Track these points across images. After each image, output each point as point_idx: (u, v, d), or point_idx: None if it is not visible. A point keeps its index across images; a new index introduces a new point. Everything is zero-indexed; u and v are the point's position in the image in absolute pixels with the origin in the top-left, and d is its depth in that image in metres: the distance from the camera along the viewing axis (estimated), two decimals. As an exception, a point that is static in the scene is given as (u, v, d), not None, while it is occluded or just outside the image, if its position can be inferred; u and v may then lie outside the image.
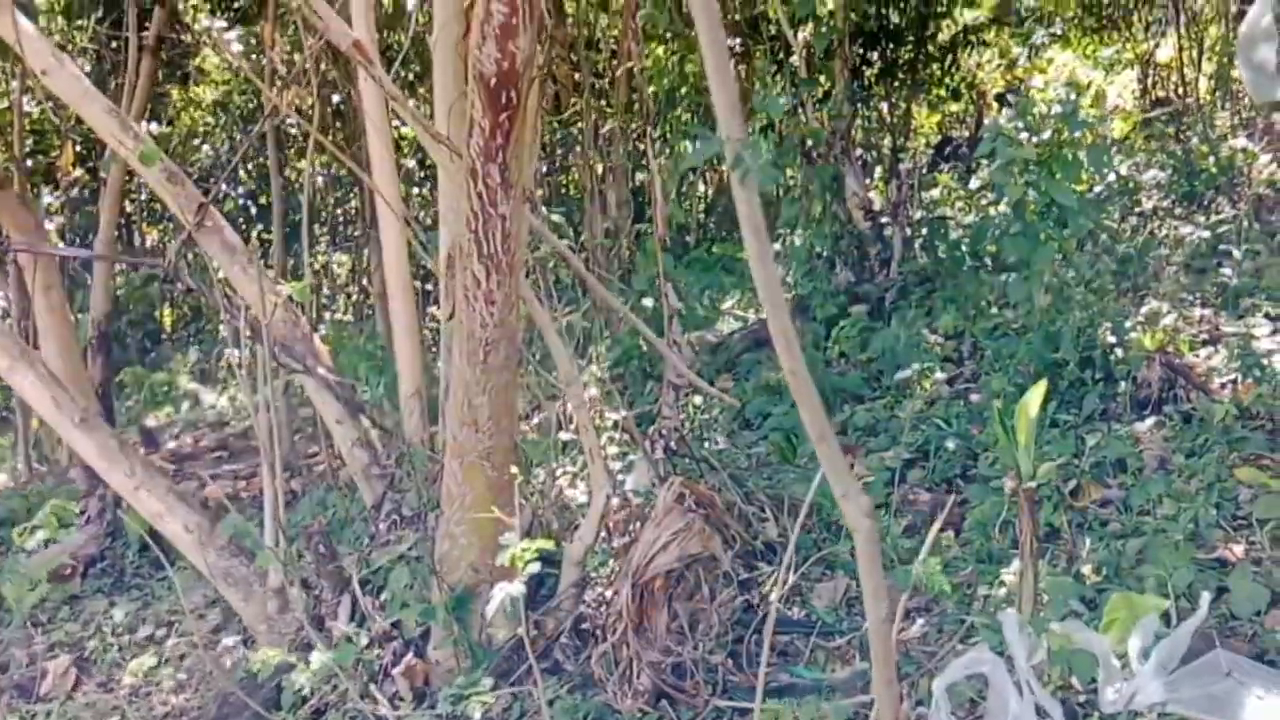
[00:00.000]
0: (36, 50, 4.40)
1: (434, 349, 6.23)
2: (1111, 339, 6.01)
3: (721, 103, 1.09)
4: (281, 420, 5.00)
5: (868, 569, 1.34)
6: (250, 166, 9.06)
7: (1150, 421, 5.47)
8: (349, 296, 10.22)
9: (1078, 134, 6.24)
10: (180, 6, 7.07)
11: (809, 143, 8.36)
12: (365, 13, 4.27)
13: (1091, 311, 6.12)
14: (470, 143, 3.58)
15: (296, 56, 6.20)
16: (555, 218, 6.98)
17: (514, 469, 3.43)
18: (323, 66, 5.99)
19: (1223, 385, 5.67)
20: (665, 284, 5.00)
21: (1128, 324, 6.14)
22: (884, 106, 11.70)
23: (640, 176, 10.02)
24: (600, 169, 9.27)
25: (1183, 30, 11.73)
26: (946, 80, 11.95)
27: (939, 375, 6.32)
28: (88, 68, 8.11)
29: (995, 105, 13.26)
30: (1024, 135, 6.27)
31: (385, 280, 5.28)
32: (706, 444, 5.91)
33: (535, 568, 3.38)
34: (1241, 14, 9.16)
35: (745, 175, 1.09)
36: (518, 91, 3.51)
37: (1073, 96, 6.32)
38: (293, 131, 8.14)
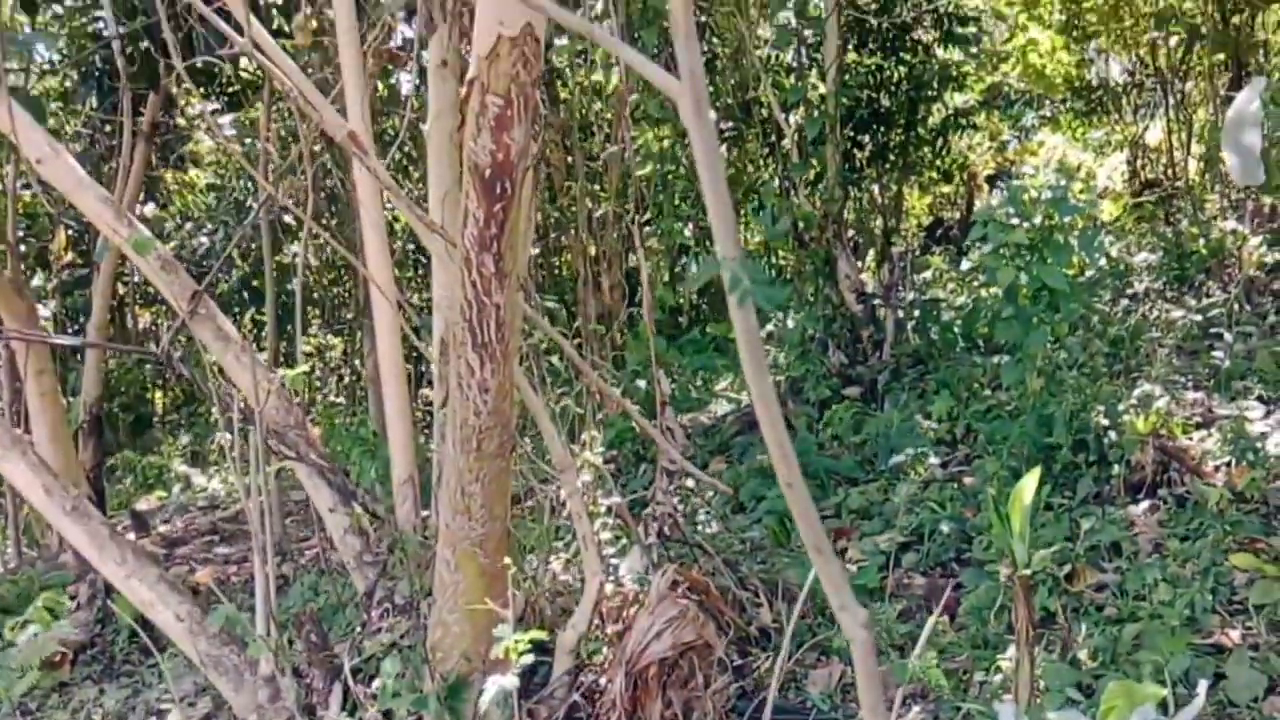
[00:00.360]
0: (32, 140, 4.43)
1: (427, 430, 6.22)
2: (1104, 422, 6.02)
3: (718, 223, 1.10)
4: (273, 504, 4.97)
5: (865, 681, 1.34)
6: (244, 249, 9.10)
7: (1144, 505, 5.46)
8: (341, 379, 10.22)
9: (1068, 219, 6.30)
10: (174, 91, 7.14)
11: (801, 226, 8.43)
12: (360, 103, 4.31)
13: (1084, 395, 6.13)
14: (465, 232, 3.60)
15: (291, 142, 6.28)
16: (549, 303, 7.02)
17: (507, 559, 3.41)
18: (317, 149, 6.04)
19: (1216, 469, 5.67)
20: (657, 370, 5.00)
21: (1120, 407, 6.15)
22: (875, 188, 11.81)
23: (634, 258, 10.08)
24: (594, 251, 9.32)
25: (1171, 113, 11.90)
26: (938, 163, 12.07)
27: (932, 460, 6.32)
28: (80, 149, 8.18)
29: (986, 187, 13.41)
30: (1015, 220, 6.33)
31: (378, 365, 5.29)
32: (700, 528, 5.89)
33: (529, 659, 3.35)
34: (1229, 99, 9.31)
35: (744, 298, 1.10)
36: (512, 182, 3.54)
37: (1063, 182, 6.39)
38: (287, 217, 8.19)
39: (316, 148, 5.57)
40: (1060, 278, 6.22)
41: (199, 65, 6.37)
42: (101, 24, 7.29)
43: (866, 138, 10.93)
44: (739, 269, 1.10)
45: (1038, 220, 6.39)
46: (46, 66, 7.88)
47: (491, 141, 3.44)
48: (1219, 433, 5.96)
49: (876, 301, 8.53)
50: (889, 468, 6.41)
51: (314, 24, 6.89)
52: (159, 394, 10.24)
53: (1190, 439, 6.07)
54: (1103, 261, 8.54)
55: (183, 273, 4.52)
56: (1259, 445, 5.62)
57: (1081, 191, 6.99)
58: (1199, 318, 7.93)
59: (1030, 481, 3.79)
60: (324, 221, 7.70)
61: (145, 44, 6.60)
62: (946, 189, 13.40)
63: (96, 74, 7.40)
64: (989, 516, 4.86)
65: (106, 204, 4.45)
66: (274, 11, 7.08)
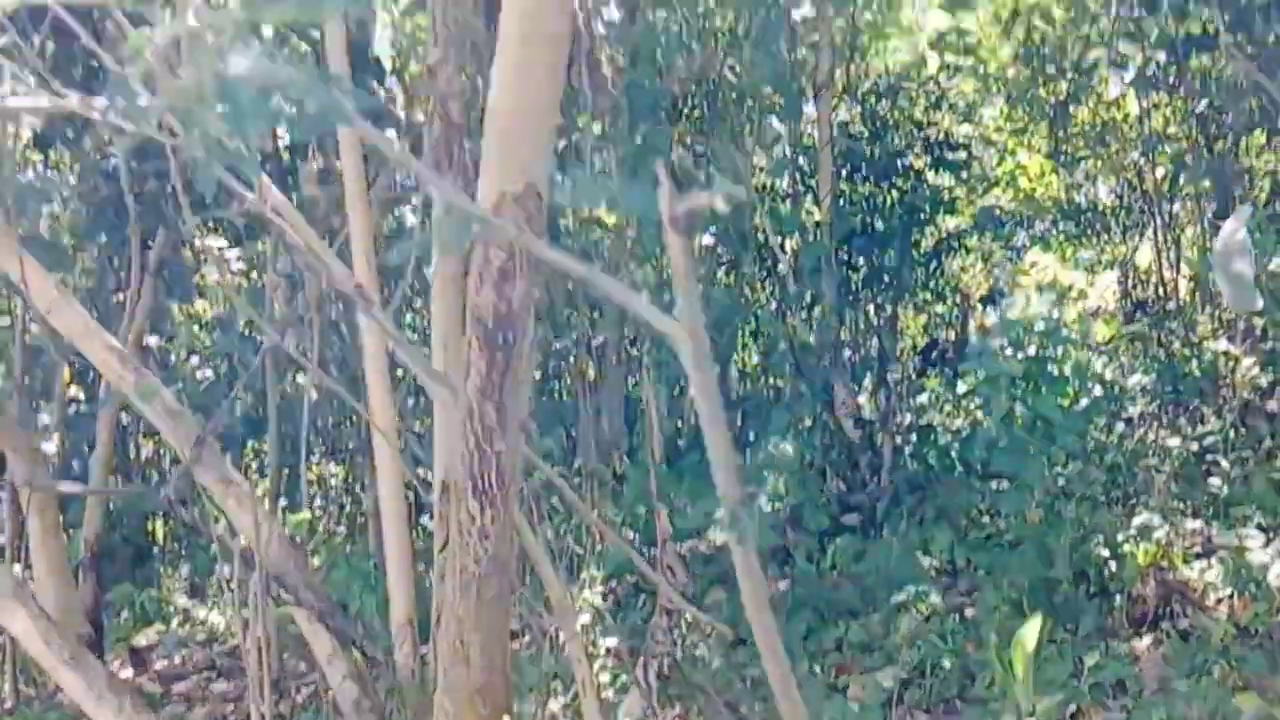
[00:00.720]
0: (42, 289, 4.52)
1: (429, 555, 6.20)
2: (1105, 553, 6.03)
3: (719, 462, 1.14)
4: (271, 639, 4.96)
5: None
6: (247, 381, 9.11)
7: (1148, 640, 5.45)
8: (342, 508, 10.21)
9: (1060, 349, 6.38)
10: (183, 227, 7.25)
11: (798, 352, 8.51)
12: (365, 252, 4.41)
13: (1084, 525, 6.14)
14: (467, 383, 3.66)
15: (299, 286, 6.38)
16: (549, 441, 7.07)
17: (506, 717, 3.40)
18: (324, 289, 6.12)
19: (1219, 601, 5.67)
20: (659, 506, 5.03)
21: (1120, 537, 6.16)
22: (870, 309, 11.91)
23: (633, 380, 10.11)
24: (593, 375, 9.38)
25: (1160, 234, 12.03)
26: (931, 284, 12.21)
27: (934, 599, 6.30)
28: (90, 284, 8.28)
29: (980, 306, 13.52)
30: (1008, 350, 6.40)
31: (379, 502, 5.32)
32: (700, 663, 5.85)
33: (529, 817, 3.33)
34: (1217, 225, 9.42)
35: (744, 539, 1.14)
36: (515, 333, 3.60)
37: (1055, 314, 6.48)
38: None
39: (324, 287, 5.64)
40: (1055, 408, 6.28)
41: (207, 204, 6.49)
42: (113, 160, 7.42)
43: (861, 260, 11.08)
44: (741, 510, 1.14)
45: (1031, 350, 6.47)
46: (59, 206, 7.99)
47: (494, 294, 3.51)
48: (1220, 564, 5.96)
49: (874, 424, 8.58)
50: (891, 606, 6.39)
51: (320, 160, 7.05)
52: (160, 524, 10.22)
53: (1191, 569, 6.08)
54: (1098, 392, 8.59)
55: (188, 418, 4.57)
56: (1260, 577, 5.62)
57: (1074, 321, 7.08)
58: (1195, 446, 7.96)
59: (1032, 629, 3.81)
60: (329, 351, 7.75)
61: (156, 184, 6.73)
62: (940, 308, 13.52)
63: (107, 210, 7.52)
64: (991, 655, 4.86)
65: (113, 351, 4.52)
66: (280, 152, 7.24)
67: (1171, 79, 10.10)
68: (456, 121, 4.63)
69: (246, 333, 8.26)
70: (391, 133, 7.94)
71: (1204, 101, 10.11)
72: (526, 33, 3.60)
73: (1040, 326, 6.45)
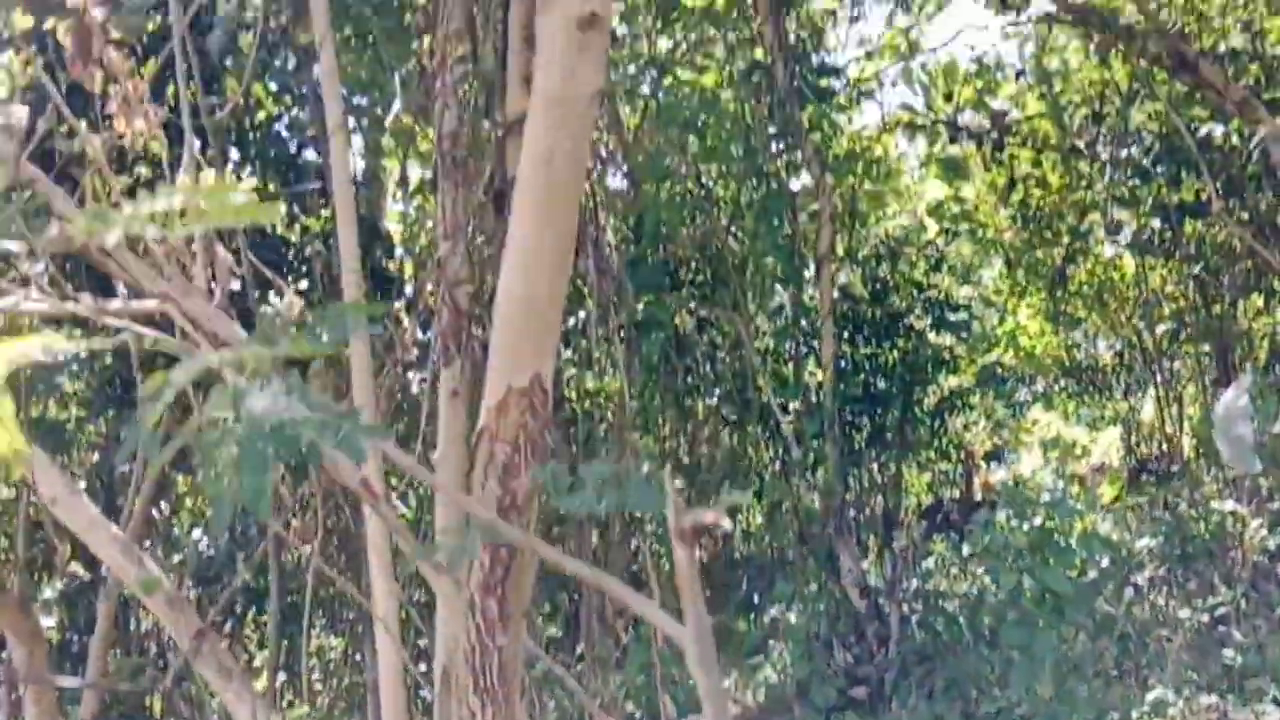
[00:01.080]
0: (48, 478, 4.51)
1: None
2: (1119, 731, 5.92)
3: (704, 689, 1.14)
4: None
5: None
6: (248, 553, 9.05)
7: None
8: (341, 681, 10.05)
9: (1067, 521, 6.36)
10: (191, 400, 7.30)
11: (801, 517, 8.48)
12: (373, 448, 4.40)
13: (1097, 701, 6.04)
14: (470, 576, 3.64)
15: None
16: (552, 629, 7.01)
17: None
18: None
19: (1240, 786, 5.55)
20: (663, 694, 4.96)
21: (1134, 714, 6.05)
22: (874, 467, 11.90)
23: (635, 540, 10.05)
24: (596, 544, 9.33)
25: (1161, 391, 12.08)
26: (935, 442, 12.23)
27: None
28: (96, 457, 8.30)
29: (983, 464, 13.53)
30: (1014, 523, 6.38)
31: (379, 688, 5.23)
32: None
33: None
34: (1217, 386, 9.46)
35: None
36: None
37: (1060, 484, 6.48)
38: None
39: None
40: (1064, 581, 6.23)
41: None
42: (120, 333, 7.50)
43: (865, 419, 11.12)
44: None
45: (1038, 521, 6.44)
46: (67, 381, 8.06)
47: (499, 488, 3.50)
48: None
49: (880, 593, 8.49)
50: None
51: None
52: (158, 700, 10.04)
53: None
54: (1106, 563, 8.51)
55: (189, 610, 4.53)
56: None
57: (1079, 494, 7.07)
58: (1206, 618, 7.86)
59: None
60: (332, 522, 7.72)
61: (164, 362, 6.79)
62: (945, 466, 13.53)
63: (114, 382, 7.59)
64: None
65: (116, 543, 4.50)
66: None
67: (1166, 243, 10.26)
68: (464, 310, 4.69)
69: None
70: (399, 304, 8.06)
71: (1199, 265, 10.26)
72: (537, 224, 3.67)
73: (1045, 498, 6.45)
